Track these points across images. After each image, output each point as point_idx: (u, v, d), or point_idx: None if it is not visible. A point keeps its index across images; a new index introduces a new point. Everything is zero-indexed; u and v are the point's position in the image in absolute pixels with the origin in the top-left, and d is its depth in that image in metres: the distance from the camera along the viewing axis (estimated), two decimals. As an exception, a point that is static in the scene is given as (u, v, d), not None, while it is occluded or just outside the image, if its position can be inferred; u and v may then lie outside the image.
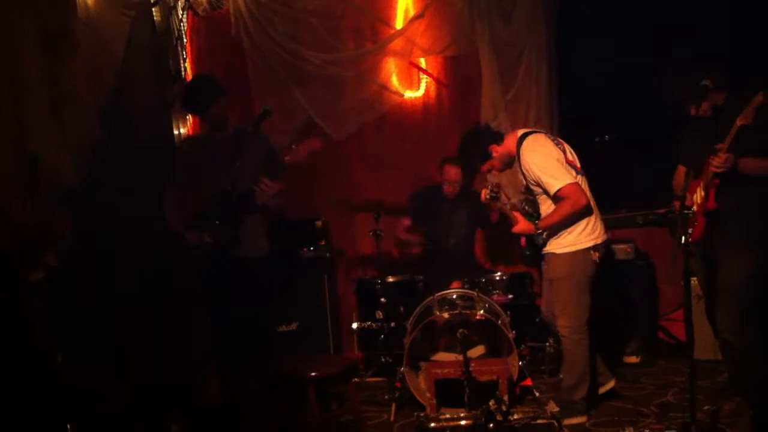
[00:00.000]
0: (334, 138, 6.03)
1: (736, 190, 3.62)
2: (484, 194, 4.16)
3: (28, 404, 3.52)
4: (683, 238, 3.60)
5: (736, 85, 3.70)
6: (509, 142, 4.35)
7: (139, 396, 4.22)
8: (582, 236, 4.13)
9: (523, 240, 4.32)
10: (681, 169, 4.07)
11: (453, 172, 5.45)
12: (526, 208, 4.36)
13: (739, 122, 3.46)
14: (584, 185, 4.20)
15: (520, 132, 4.33)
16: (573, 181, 4.05)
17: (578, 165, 4.27)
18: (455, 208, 5.56)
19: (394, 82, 6.20)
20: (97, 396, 3.98)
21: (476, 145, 4.50)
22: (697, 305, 4.13)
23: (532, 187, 4.25)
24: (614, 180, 4.50)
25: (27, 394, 3.54)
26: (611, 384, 4.46)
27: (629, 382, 4.85)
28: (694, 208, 3.80)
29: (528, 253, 4.31)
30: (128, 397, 4.14)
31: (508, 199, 4.56)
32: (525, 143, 4.21)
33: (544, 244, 4.21)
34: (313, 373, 3.87)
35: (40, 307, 3.75)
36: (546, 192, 4.14)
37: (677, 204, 3.73)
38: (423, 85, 6.32)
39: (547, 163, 4.10)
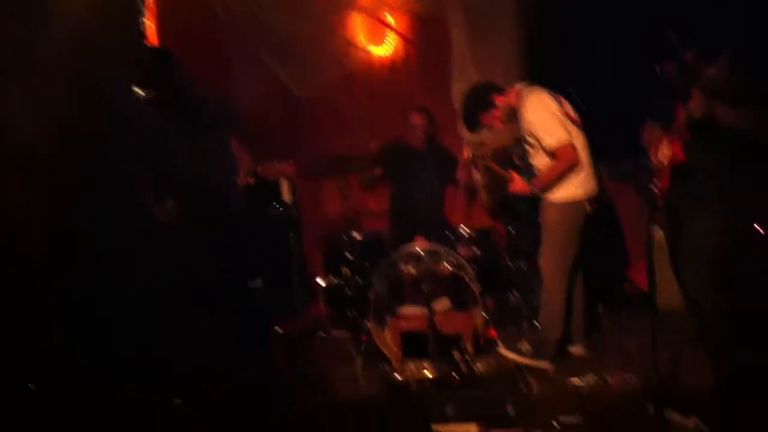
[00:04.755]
0: (301, 96, 5.94)
1: (705, 144, 3.63)
2: (467, 153, 4.19)
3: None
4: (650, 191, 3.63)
5: (704, 40, 3.69)
6: (510, 95, 4.39)
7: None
8: (577, 187, 4.24)
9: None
10: (650, 124, 4.07)
11: (417, 118, 5.47)
12: (516, 162, 4.39)
13: (710, 73, 3.46)
14: (580, 139, 4.28)
15: (520, 86, 4.39)
16: (569, 140, 4.16)
17: (575, 118, 4.34)
18: (423, 164, 5.54)
19: (362, 38, 6.12)
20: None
21: (477, 99, 4.51)
22: (661, 257, 4.17)
23: (528, 139, 4.30)
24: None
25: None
26: (581, 350, 4.52)
27: (594, 331, 4.90)
28: (663, 161, 3.81)
29: (516, 207, 4.38)
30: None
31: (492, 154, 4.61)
32: (525, 97, 4.28)
33: (537, 200, 4.28)
34: (279, 329, 3.86)
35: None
36: (541, 147, 4.22)
37: (645, 158, 3.76)
38: (391, 43, 6.23)
39: (546, 118, 4.19)
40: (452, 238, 5.09)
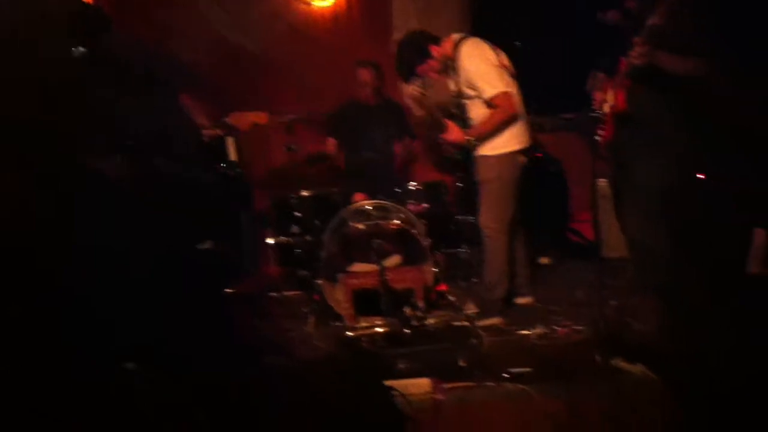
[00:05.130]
0: (245, 50, 5.82)
1: (647, 92, 3.66)
2: (412, 89, 4.14)
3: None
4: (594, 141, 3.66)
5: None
6: (446, 45, 4.33)
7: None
8: (511, 140, 4.21)
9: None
10: (594, 73, 4.09)
11: (364, 74, 5.40)
12: (454, 111, 4.35)
13: (651, 22, 3.47)
14: (516, 91, 4.25)
15: (457, 36, 4.32)
16: (507, 89, 4.13)
17: (512, 70, 4.30)
18: (372, 119, 5.49)
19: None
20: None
21: (412, 48, 4.43)
22: (606, 206, 4.23)
23: (466, 89, 4.25)
24: (525, 85, 4.52)
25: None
26: (529, 300, 4.59)
27: (541, 282, 4.98)
28: (606, 110, 3.84)
29: (453, 158, 4.35)
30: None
31: (435, 104, 4.56)
32: (464, 47, 4.22)
33: (473, 151, 4.24)
34: (230, 290, 3.83)
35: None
36: (479, 97, 4.17)
37: (590, 108, 3.78)
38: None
39: (484, 67, 4.14)
40: (402, 193, 5.08)
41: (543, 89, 5.74)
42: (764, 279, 4.15)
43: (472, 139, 4.24)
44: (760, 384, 2.91)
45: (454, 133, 4.31)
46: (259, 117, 4.18)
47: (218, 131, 4.35)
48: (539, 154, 5.57)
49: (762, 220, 4.23)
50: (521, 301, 4.57)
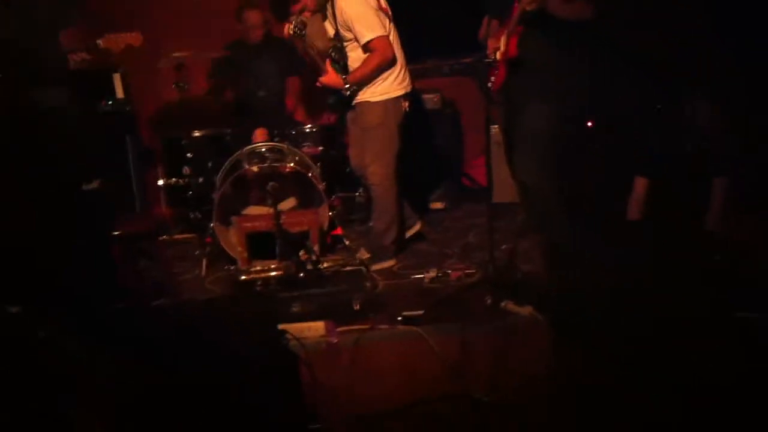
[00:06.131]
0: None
1: (537, 37, 3.72)
2: (287, 29, 4.03)
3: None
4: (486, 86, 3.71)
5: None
6: None
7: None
8: (393, 85, 4.16)
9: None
10: (486, 19, 4.11)
11: (253, 17, 5.26)
12: (333, 54, 4.25)
13: None
14: (393, 34, 4.18)
15: None
16: (384, 33, 4.05)
17: (389, 12, 4.22)
18: (262, 58, 5.36)
19: None
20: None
21: None
22: (498, 152, 4.31)
23: (343, 32, 4.15)
24: (421, 30, 4.50)
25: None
26: (417, 227, 4.64)
27: (434, 226, 5.06)
28: (498, 56, 3.88)
29: (332, 102, 4.28)
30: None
31: (314, 45, 4.43)
32: None
33: (353, 96, 4.18)
34: (118, 232, 3.71)
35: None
36: (356, 40, 4.09)
37: (483, 54, 3.81)
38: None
39: (362, 11, 4.04)
40: (297, 134, 5.01)
41: (440, 32, 5.77)
42: (642, 225, 4.38)
43: (352, 85, 4.16)
44: (634, 324, 3.08)
45: (331, 77, 4.20)
46: (134, 38, 3.97)
47: (86, 55, 4.08)
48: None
49: (643, 168, 4.43)
50: (411, 232, 4.60)
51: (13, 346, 2.90)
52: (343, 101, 4.23)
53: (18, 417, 2.51)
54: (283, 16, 4.39)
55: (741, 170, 4.09)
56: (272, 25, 5.43)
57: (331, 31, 4.26)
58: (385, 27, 4.08)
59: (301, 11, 4.29)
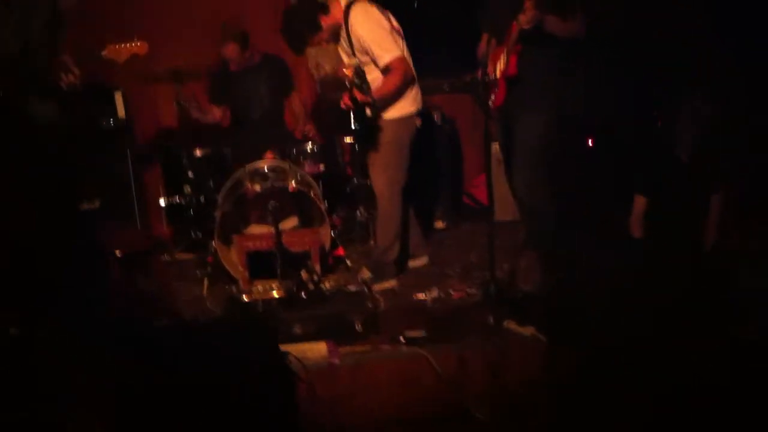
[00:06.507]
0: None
1: (534, 54, 3.74)
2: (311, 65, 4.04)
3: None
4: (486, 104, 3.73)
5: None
6: (335, 12, 4.21)
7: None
8: (408, 102, 4.22)
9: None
10: (485, 37, 4.13)
11: (228, 50, 5.24)
12: (356, 80, 4.28)
13: None
14: (406, 53, 4.23)
15: (344, 1, 4.21)
16: (401, 53, 4.11)
17: (401, 32, 4.27)
18: (254, 80, 5.35)
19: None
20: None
21: (301, 21, 4.29)
22: (498, 169, 4.31)
23: (360, 56, 4.19)
24: (420, 47, 4.51)
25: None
26: (424, 260, 4.65)
27: (435, 246, 5.05)
28: (497, 74, 3.90)
29: (357, 128, 4.31)
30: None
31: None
32: (353, 13, 4.13)
33: (375, 117, 4.20)
34: (118, 251, 3.70)
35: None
36: (374, 62, 4.14)
37: (481, 71, 3.82)
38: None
39: (378, 34, 4.09)
40: (298, 153, 5.01)
41: (443, 50, 5.79)
42: (644, 243, 4.38)
43: (377, 104, 4.15)
44: (635, 341, 3.08)
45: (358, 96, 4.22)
46: (139, 48, 3.96)
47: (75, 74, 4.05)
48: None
49: (641, 187, 4.45)
50: (416, 263, 4.62)
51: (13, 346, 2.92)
52: (365, 124, 4.24)
53: (18, 417, 2.51)
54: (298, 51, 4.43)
55: (742, 173, 4.11)
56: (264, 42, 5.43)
57: (344, 56, 4.29)
58: (400, 47, 4.14)
59: (319, 44, 4.34)
